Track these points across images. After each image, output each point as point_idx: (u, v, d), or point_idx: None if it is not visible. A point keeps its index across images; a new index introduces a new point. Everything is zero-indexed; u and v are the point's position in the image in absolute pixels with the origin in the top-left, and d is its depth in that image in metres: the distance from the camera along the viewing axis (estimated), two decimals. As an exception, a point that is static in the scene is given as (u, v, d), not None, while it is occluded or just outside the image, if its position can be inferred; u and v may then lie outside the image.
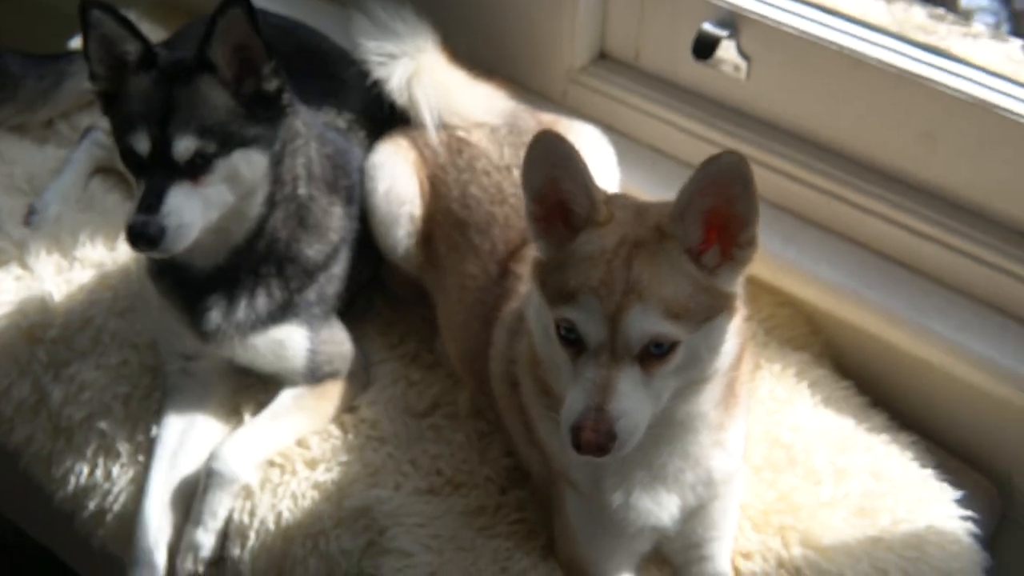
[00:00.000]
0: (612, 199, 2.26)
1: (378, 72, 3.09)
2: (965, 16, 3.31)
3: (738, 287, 2.25)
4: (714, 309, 2.18)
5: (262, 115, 2.76)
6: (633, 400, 2.14)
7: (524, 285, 2.64)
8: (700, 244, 2.18)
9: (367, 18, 3.10)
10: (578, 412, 2.12)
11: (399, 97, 3.08)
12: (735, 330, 2.26)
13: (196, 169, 2.67)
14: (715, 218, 2.15)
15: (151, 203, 2.63)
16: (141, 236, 2.62)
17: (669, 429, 2.32)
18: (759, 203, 2.14)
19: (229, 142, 2.69)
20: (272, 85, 2.77)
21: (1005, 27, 3.36)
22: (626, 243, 2.15)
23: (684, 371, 2.19)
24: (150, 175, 2.66)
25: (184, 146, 2.65)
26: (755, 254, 2.20)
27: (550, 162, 2.20)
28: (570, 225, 2.23)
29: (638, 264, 2.13)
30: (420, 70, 3.08)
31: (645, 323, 2.11)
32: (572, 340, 2.16)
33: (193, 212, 2.66)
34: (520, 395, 2.55)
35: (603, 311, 2.11)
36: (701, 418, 2.34)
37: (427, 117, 3.04)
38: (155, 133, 2.65)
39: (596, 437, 2.11)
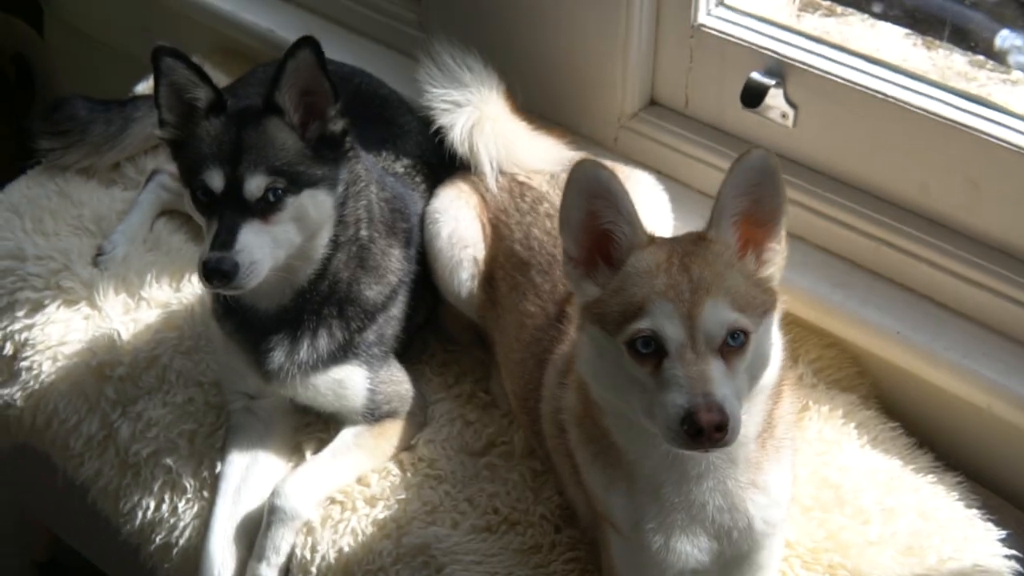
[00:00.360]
0: None
1: (442, 119, 3.14)
2: (1000, 56, 3.34)
3: (776, 283, 2.32)
4: (768, 303, 2.26)
5: (328, 157, 2.84)
6: (729, 387, 2.16)
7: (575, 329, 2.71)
8: (737, 250, 2.26)
9: (435, 64, 3.17)
10: (683, 404, 2.12)
11: (460, 146, 3.13)
12: (777, 337, 2.33)
13: (266, 208, 2.74)
14: (746, 223, 2.25)
15: (225, 240, 2.70)
16: (216, 272, 2.69)
17: (709, 460, 2.34)
18: (786, 198, 2.24)
19: (297, 182, 2.77)
20: (338, 126, 2.85)
21: (1039, 67, 3.39)
22: (676, 254, 2.24)
23: (752, 370, 2.24)
24: (222, 214, 2.74)
25: (255, 185, 2.73)
26: (785, 250, 2.30)
27: (591, 192, 2.25)
28: (610, 259, 2.30)
29: (695, 267, 2.21)
30: (483, 119, 3.13)
31: (721, 314, 2.17)
32: (648, 354, 2.19)
33: (263, 250, 2.74)
34: (568, 440, 2.59)
35: (680, 311, 2.16)
36: (741, 446, 2.35)
37: (487, 167, 3.11)
38: (227, 173, 2.74)
39: (713, 416, 2.10)
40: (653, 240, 2.29)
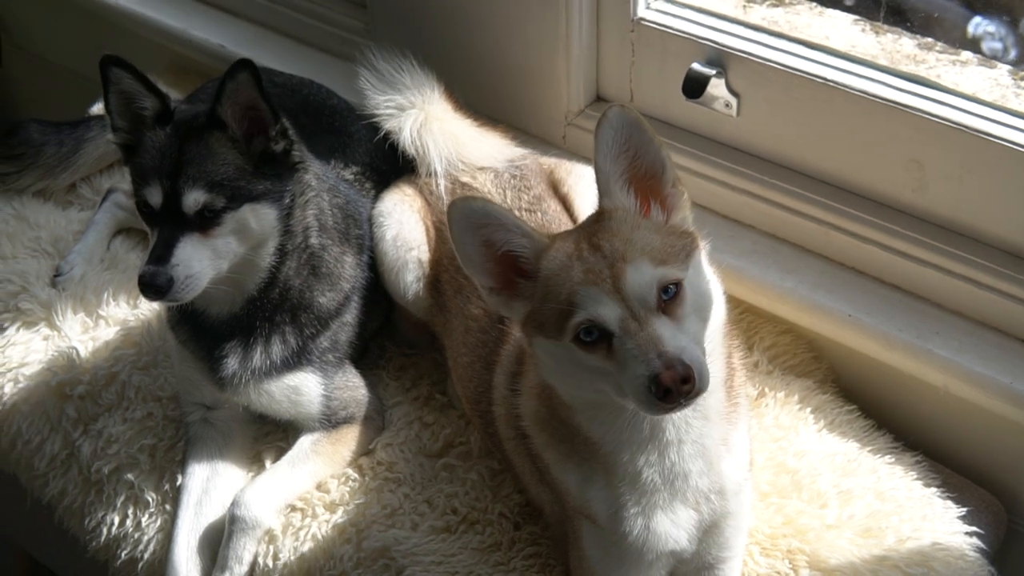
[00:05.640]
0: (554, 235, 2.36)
1: (389, 124, 3.16)
2: (973, 43, 3.32)
3: (690, 224, 2.34)
4: (688, 245, 2.27)
5: (271, 171, 2.85)
6: (683, 337, 2.18)
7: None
8: (642, 210, 2.28)
9: (373, 73, 3.18)
10: (644, 373, 2.12)
11: (410, 147, 3.15)
12: (711, 272, 2.34)
13: (205, 222, 2.76)
14: (637, 182, 2.27)
15: (161, 254, 2.73)
16: (150, 286, 2.73)
17: (684, 422, 2.36)
18: (660, 143, 2.26)
19: (238, 196, 2.79)
20: (279, 146, 2.86)
21: (1013, 52, 3.37)
22: (582, 238, 2.26)
23: (698, 311, 2.24)
24: (161, 227, 2.77)
25: (193, 199, 2.74)
26: (685, 191, 2.31)
27: (475, 224, 2.27)
28: (525, 273, 2.31)
29: (604, 242, 2.22)
30: (429, 120, 3.15)
31: (646, 275, 2.18)
32: (595, 341, 2.20)
33: (202, 263, 2.76)
34: (530, 444, 2.59)
35: (605, 289, 2.18)
36: (711, 395, 2.33)
37: (438, 166, 3.12)
38: (166, 186, 2.75)
39: (675, 371, 2.11)
40: (555, 238, 2.30)
